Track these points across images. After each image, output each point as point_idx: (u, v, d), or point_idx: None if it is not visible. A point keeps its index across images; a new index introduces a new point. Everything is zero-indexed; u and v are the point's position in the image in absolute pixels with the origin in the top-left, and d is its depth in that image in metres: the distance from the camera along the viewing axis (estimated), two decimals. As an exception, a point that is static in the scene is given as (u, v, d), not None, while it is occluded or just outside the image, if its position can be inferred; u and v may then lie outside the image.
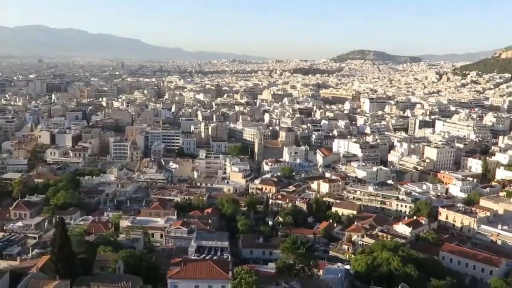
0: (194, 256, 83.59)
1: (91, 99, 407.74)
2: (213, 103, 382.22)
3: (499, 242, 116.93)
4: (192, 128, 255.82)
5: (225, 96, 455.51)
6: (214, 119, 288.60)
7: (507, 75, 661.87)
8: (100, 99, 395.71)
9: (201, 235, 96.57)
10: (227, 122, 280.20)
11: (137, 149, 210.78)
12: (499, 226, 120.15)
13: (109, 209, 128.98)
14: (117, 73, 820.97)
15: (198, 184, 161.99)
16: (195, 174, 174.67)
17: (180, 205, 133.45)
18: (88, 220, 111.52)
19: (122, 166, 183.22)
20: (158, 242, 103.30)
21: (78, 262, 72.48)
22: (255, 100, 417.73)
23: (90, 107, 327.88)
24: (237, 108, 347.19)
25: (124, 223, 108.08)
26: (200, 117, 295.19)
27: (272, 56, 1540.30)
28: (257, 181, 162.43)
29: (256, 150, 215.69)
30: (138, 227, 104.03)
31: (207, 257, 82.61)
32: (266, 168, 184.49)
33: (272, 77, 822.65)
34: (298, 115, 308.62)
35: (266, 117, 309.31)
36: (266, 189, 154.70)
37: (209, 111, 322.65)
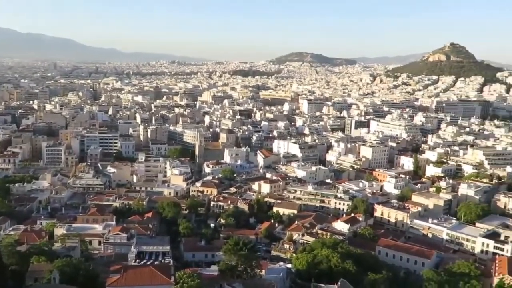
0: (135, 262, 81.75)
1: (21, 102, 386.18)
2: (152, 105, 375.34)
3: (430, 235, 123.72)
4: (131, 131, 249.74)
5: (164, 98, 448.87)
6: (154, 122, 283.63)
7: (434, 77, 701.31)
8: (31, 102, 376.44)
9: (142, 240, 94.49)
10: (166, 125, 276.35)
11: (72, 153, 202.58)
12: (430, 220, 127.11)
13: (42, 217, 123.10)
14: (49, 74, 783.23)
15: (138, 188, 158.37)
16: (135, 178, 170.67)
17: (119, 211, 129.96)
18: (19, 230, 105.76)
19: (56, 171, 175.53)
20: (96, 250, 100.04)
21: (9, 274, 68.68)
22: (195, 102, 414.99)
23: (20, 111, 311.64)
24: (177, 110, 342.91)
25: (59, 231, 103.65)
26: (138, 120, 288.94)
27: (211, 58, 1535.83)
28: (198, 184, 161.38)
29: (196, 152, 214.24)
30: (74, 234, 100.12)
31: (148, 263, 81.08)
32: (207, 170, 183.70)
33: (212, 78, 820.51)
34: (239, 117, 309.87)
35: (207, 119, 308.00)
36: (207, 191, 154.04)
37: (148, 113, 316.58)
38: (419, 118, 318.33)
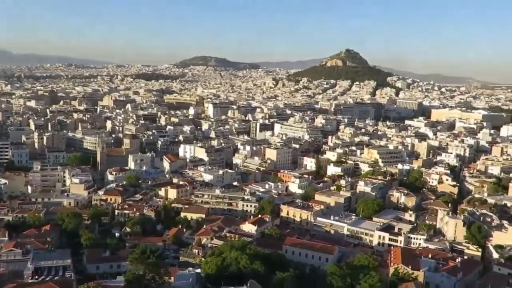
0: (32, 279, 75.98)
1: None
2: (48, 110, 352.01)
3: (332, 232, 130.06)
4: (24, 138, 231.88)
5: (61, 103, 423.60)
6: (50, 128, 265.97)
7: (332, 81, 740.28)
8: None
9: (39, 255, 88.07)
10: (64, 131, 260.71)
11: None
12: (332, 217, 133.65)
13: None
14: None
15: (33, 199, 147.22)
16: (29, 189, 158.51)
17: (12, 225, 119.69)
18: None
19: None
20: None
21: None
22: (96, 107, 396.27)
23: None
24: (75, 115, 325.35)
25: None
26: (32, 126, 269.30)
27: (112, 61, 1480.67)
28: (101, 192, 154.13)
29: (98, 159, 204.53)
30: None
31: (47, 279, 75.82)
32: (110, 177, 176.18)
33: (113, 82, 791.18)
34: (143, 121, 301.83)
35: (108, 124, 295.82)
36: (111, 199, 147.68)
37: (43, 119, 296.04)
38: (319, 120, 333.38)
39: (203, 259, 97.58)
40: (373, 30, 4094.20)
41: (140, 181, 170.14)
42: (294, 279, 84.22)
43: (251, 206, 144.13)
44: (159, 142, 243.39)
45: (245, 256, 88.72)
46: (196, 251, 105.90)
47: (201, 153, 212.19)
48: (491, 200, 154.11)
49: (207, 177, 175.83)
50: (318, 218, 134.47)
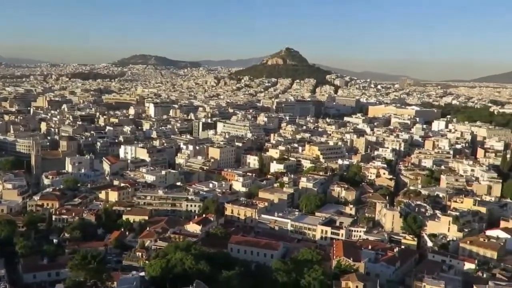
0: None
1: None
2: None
3: (276, 228, 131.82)
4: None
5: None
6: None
7: (273, 79, 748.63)
8: None
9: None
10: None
11: None
12: (276, 213, 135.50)
13: None
14: None
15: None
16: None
17: None
18: None
19: None
20: None
21: None
22: (29, 108, 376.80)
23: None
24: (6, 117, 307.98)
25: None
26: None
27: (46, 60, 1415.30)
28: (36, 197, 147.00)
29: (33, 163, 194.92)
30: None
31: (-21, 291, 71.51)
32: (46, 181, 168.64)
33: (47, 82, 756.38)
34: (80, 123, 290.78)
35: (43, 126, 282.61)
36: (47, 204, 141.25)
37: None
38: (261, 118, 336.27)
39: (147, 261, 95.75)
40: (313, 29, 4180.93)
41: (78, 185, 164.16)
42: (240, 277, 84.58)
43: (195, 206, 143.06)
44: (98, 144, 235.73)
45: (190, 257, 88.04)
46: (140, 254, 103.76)
47: (143, 154, 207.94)
48: (424, 192, 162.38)
49: (150, 178, 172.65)
50: (262, 215, 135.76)
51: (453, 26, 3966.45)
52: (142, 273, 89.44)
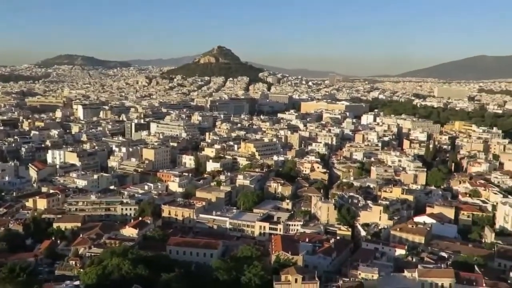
0: None
1: None
2: None
3: (215, 227, 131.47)
4: None
5: None
6: None
7: (206, 78, 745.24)
8: None
9: None
10: None
11: None
12: (214, 212, 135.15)
13: None
14: None
15: None
16: None
17: None
18: None
19: None
20: None
21: None
22: None
23: None
24: None
25: None
26: None
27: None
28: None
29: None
30: None
31: None
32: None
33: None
34: (2, 127, 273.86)
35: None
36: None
37: None
38: (196, 118, 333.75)
39: (81, 270, 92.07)
40: (244, 28, 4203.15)
41: (3, 193, 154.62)
42: (180, 279, 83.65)
43: (130, 209, 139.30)
44: (23, 149, 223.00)
45: (127, 262, 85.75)
46: (74, 262, 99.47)
47: (73, 158, 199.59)
48: (356, 183, 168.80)
49: (81, 183, 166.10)
50: (201, 215, 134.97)
51: (377, 25, 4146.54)
52: (77, 282, 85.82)
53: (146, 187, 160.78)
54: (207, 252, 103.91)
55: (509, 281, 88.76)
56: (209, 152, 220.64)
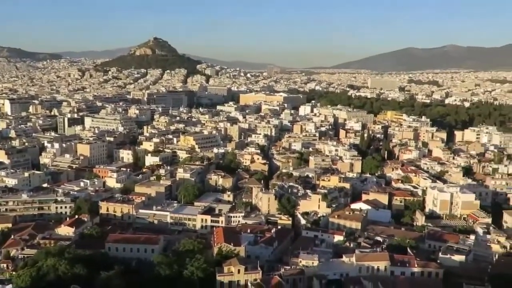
0: None
1: None
2: None
3: (156, 222, 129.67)
4: None
5: None
6: None
7: (143, 70, 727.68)
8: None
9: None
10: None
11: None
12: (154, 207, 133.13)
13: None
14: None
15: None
16: None
17: None
18: None
19: None
20: None
21: None
22: None
23: None
24: None
25: None
26: None
27: None
28: None
29: None
30: None
31: None
32: None
33: None
34: None
35: None
36: None
37: None
38: (133, 111, 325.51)
39: (14, 273, 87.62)
40: (180, 20, 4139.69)
41: None
42: (120, 276, 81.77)
43: (66, 207, 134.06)
44: None
45: (64, 262, 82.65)
46: (5, 265, 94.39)
47: (1, 156, 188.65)
48: (296, 173, 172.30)
49: (11, 182, 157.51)
50: (140, 210, 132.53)
51: (312, 17, 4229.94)
52: (9, 286, 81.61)
53: (82, 184, 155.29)
54: (148, 248, 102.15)
55: (438, 261, 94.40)
56: (148, 146, 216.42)
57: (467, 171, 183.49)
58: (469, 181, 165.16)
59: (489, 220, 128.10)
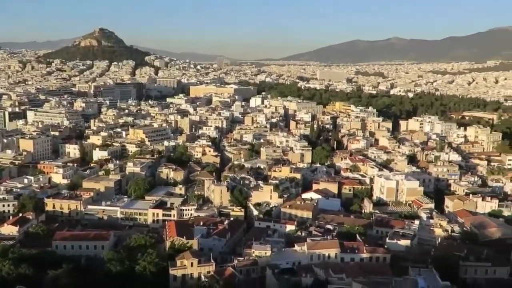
0: None
1: None
2: None
3: (105, 217, 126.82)
4: None
5: None
6: None
7: (89, 62, 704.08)
8: None
9: None
10: None
11: None
12: (103, 202, 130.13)
13: None
14: None
15: None
16: None
17: None
18: None
19: None
20: None
21: None
22: None
23: None
24: None
25: None
26: None
27: None
28: None
29: None
30: None
31: None
32: None
33: None
34: None
35: None
36: None
37: None
38: (79, 104, 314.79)
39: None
40: (127, 9, 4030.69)
41: None
42: (68, 274, 79.43)
43: (9, 205, 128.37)
44: None
45: (8, 262, 79.42)
46: None
47: None
48: (247, 165, 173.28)
49: None
50: (89, 206, 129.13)
51: (260, 8, 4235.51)
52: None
53: (25, 181, 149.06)
54: (97, 244, 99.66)
55: (385, 246, 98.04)
56: (95, 140, 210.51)
57: (411, 159, 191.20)
58: (413, 168, 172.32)
59: (432, 205, 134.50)
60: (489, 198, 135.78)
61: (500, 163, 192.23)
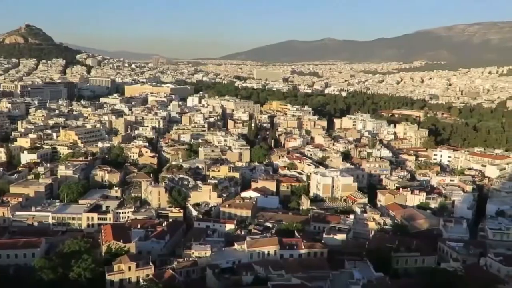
0: None
1: None
2: None
3: (35, 224, 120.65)
4: None
5: None
6: None
7: (14, 60, 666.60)
8: None
9: None
10: None
11: None
12: (33, 208, 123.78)
13: None
14: None
15: None
16: None
17: None
18: None
19: None
20: None
21: None
22: None
23: None
24: None
25: None
26: None
27: None
28: None
29: None
30: None
31: None
32: None
33: None
34: None
35: None
36: None
37: None
38: (4, 105, 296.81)
39: None
40: (56, 5, 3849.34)
41: None
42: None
43: None
44: None
45: None
46: None
47: None
48: (186, 165, 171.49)
49: None
50: (17, 213, 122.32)
51: (197, 7, 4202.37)
52: None
53: None
54: (27, 252, 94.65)
55: (322, 241, 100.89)
56: (23, 142, 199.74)
57: (346, 156, 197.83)
58: (348, 165, 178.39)
59: (365, 200, 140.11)
60: (418, 191, 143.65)
61: (427, 158, 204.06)
